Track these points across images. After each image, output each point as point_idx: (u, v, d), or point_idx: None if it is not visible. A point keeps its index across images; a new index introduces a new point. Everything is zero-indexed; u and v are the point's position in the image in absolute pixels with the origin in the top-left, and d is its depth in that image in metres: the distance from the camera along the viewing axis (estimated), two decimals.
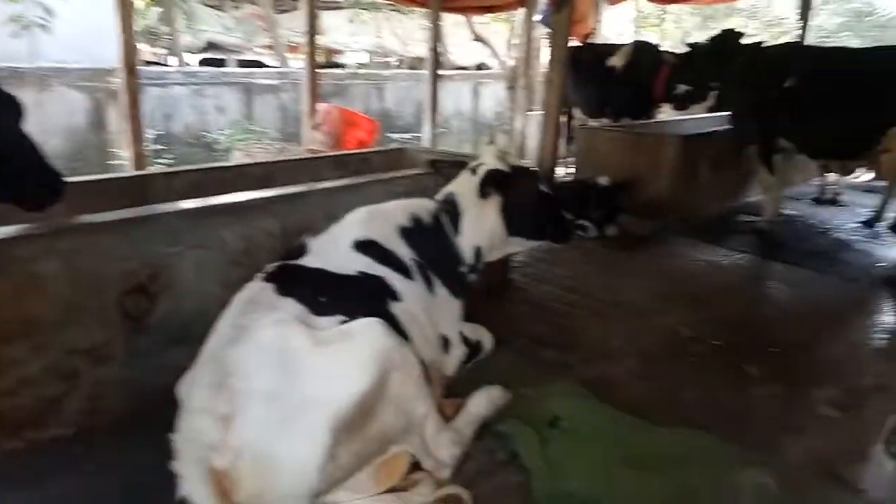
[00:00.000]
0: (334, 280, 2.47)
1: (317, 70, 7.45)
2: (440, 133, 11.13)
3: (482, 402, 2.70)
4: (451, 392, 2.77)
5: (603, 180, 5.61)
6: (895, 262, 4.83)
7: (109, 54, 5.86)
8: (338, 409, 1.97)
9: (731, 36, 5.96)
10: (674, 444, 2.65)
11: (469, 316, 3.08)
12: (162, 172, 3.77)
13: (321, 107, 7.04)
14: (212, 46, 15.74)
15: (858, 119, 4.85)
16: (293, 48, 14.20)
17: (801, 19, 8.79)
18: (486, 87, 14.29)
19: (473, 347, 2.98)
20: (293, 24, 13.18)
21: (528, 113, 10.00)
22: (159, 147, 9.28)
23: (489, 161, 3.01)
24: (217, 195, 3.01)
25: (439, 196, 3.03)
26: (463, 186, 3.01)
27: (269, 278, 2.42)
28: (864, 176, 8.21)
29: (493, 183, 2.91)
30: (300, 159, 4.26)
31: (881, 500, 2.37)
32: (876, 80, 4.74)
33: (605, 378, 3.19)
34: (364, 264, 2.59)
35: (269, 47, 15.85)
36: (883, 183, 6.31)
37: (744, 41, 5.88)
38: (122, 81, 5.29)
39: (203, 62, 14.92)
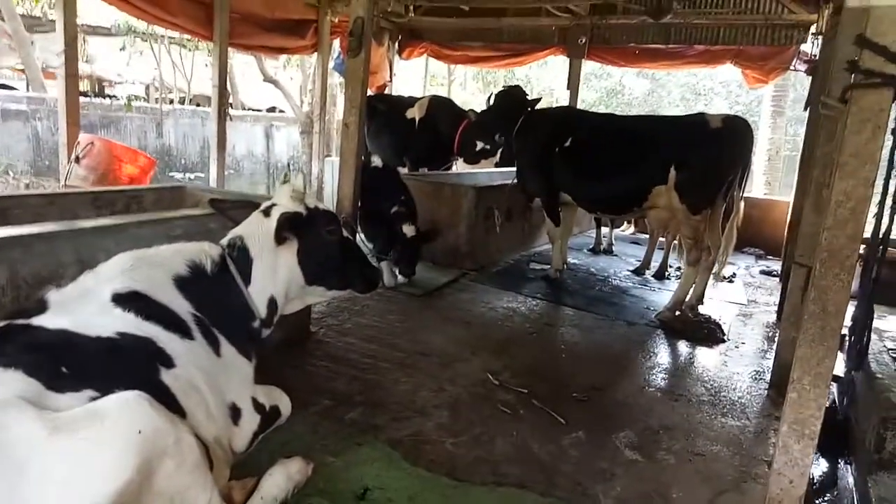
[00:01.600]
0: (83, 344, 1.91)
1: (80, 97, 6.46)
2: (230, 174, 10.39)
3: (279, 480, 2.29)
4: (241, 469, 2.31)
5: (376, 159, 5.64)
6: (664, 306, 5.31)
7: None
8: None
9: (516, 91, 6.33)
10: None
11: (263, 376, 2.65)
12: None
13: (83, 137, 6.06)
14: None
15: (628, 177, 5.35)
16: (50, 74, 12.43)
17: (569, 89, 9.82)
18: (280, 131, 13.81)
19: (268, 415, 2.53)
20: (52, 47, 11.53)
21: (325, 158, 9.77)
22: None
23: (284, 202, 2.64)
24: None
25: (225, 240, 2.59)
26: (253, 229, 2.59)
27: None
28: (630, 229, 9.27)
29: (290, 227, 2.55)
30: (47, 194, 3.47)
31: None
32: (642, 143, 5.28)
33: (416, 436, 2.96)
34: (126, 323, 2.05)
35: (21, 70, 13.71)
36: (646, 236, 7.10)
37: (527, 97, 6.26)
38: None
39: None
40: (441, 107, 7.88)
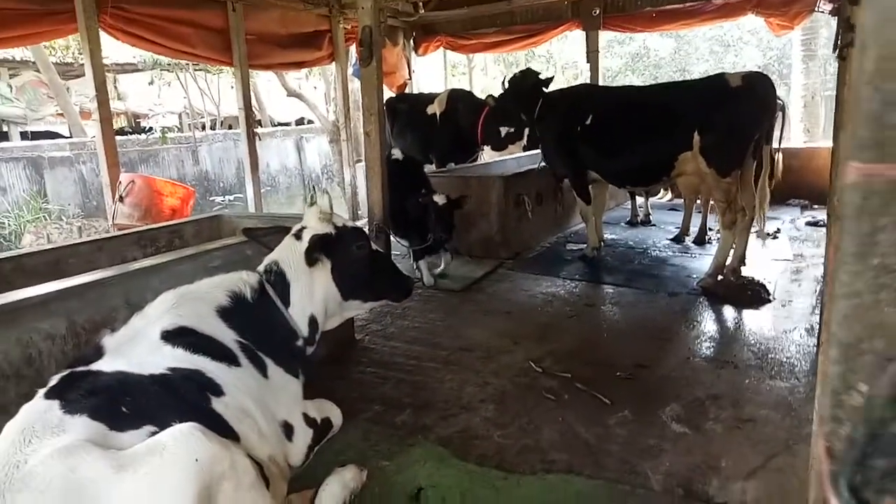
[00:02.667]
0: (138, 384, 2.07)
1: (117, 136, 6.77)
2: (266, 191, 10.67)
3: (335, 490, 2.42)
4: (300, 482, 2.46)
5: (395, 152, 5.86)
6: (706, 272, 5.24)
7: None
8: None
9: (528, 74, 6.31)
10: (543, 492, 2.55)
11: (313, 389, 2.79)
12: None
13: (124, 177, 6.35)
14: None
15: (652, 148, 5.30)
16: (87, 114, 12.98)
17: (588, 62, 9.68)
18: (310, 142, 14.07)
19: (321, 428, 2.68)
20: (86, 91, 12.04)
21: (356, 164, 9.93)
22: None
23: (313, 224, 2.77)
24: None
25: (261, 267, 2.74)
26: (287, 253, 2.74)
27: (53, 393, 1.98)
28: (667, 196, 9.12)
29: (319, 248, 2.68)
30: (96, 240, 3.70)
31: None
32: (663, 112, 5.22)
33: (465, 432, 3.05)
34: (176, 358, 2.21)
35: (62, 116, 14.37)
36: (682, 201, 7.00)
37: (541, 77, 6.23)
38: None
39: None
40: (460, 99, 7.92)
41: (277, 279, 2.68)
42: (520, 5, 9.48)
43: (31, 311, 2.41)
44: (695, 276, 5.46)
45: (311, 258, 2.67)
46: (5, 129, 14.61)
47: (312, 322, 2.72)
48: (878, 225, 0.91)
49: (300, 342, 2.69)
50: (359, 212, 9.61)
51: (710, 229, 6.71)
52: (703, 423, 3.05)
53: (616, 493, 2.51)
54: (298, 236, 2.75)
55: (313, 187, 11.71)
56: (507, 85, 6.39)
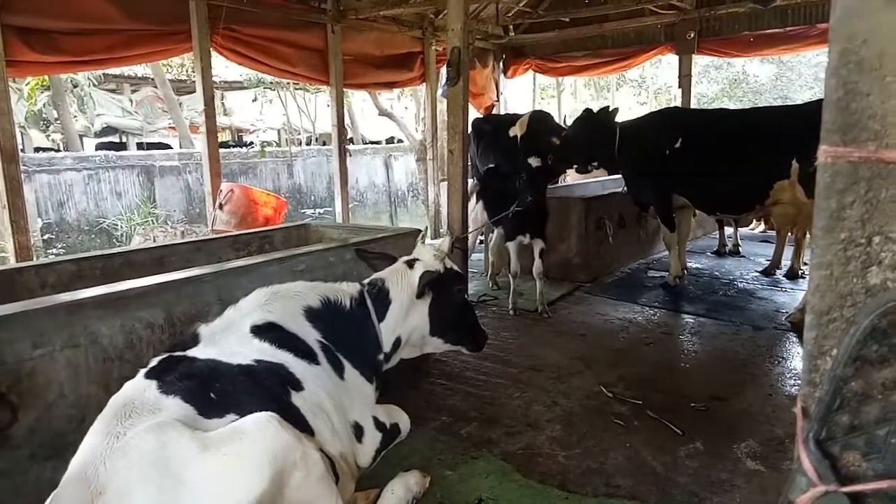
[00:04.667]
0: (227, 372, 2.23)
1: (221, 149, 7.26)
2: (355, 206, 11.08)
3: (399, 492, 2.50)
4: (366, 482, 2.55)
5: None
6: (796, 307, 5.00)
7: None
8: None
9: (598, 115, 6.16)
10: None
11: (383, 396, 2.89)
12: (34, 265, 3.41)
13: (224, 186, 6.80)
14: (110, 130, 15.22)
15: (746, 174, 5.13)
16: (195, 128, 13.97)
17: (680, 87, 9.48)
18: (398, 160, 14.48)
19: (389, 432, 2.76)
20: (196, 106, 12.97)
21: (441, 183, 10.13)
22: (49, 237, 8.70)
23: (427, 259, 2.94)
24: (99, 286, 2.73)
25: (367, 280, 2.90)
26: (397, 277, 2.89)
27: (152, 374, 2.16)
28: (759, 227, 8.75)
29: (429, 282, 2.83)
30: (194, 241, 4.01)
31: None
32: (759, 137, 5.05)
33: (529, 449, 3.06)
34: (263, 351, 2.36)
35: (173, 128, 15.52)
36: (775, 233, 6.70)
37: (608, 115, 6.09)
38: (0, 169, 4.90)
39: (100, 146, 14.42)
40: (541, 122, 7.92)
41: (380, 295, 2.82)
42: (612, 28, 9.45)
43: (134, 302, 2.65)
44: (784, 310, 5.21)
45: (421, 288, 2.82)
46: (124, 139, 15.95)
47: (396, 342, 2.84)
48: (844, 202, 0.99)
49: (381, 356, 2.81)
50: (441, 230, 9.79)
51: (805, 263, 6.38)
52: (780, 462, 2.91)
53: None
54: (411, 265, 2.92)
55: (426, 228, 12.12)
56: (570, 130, 6.33)
